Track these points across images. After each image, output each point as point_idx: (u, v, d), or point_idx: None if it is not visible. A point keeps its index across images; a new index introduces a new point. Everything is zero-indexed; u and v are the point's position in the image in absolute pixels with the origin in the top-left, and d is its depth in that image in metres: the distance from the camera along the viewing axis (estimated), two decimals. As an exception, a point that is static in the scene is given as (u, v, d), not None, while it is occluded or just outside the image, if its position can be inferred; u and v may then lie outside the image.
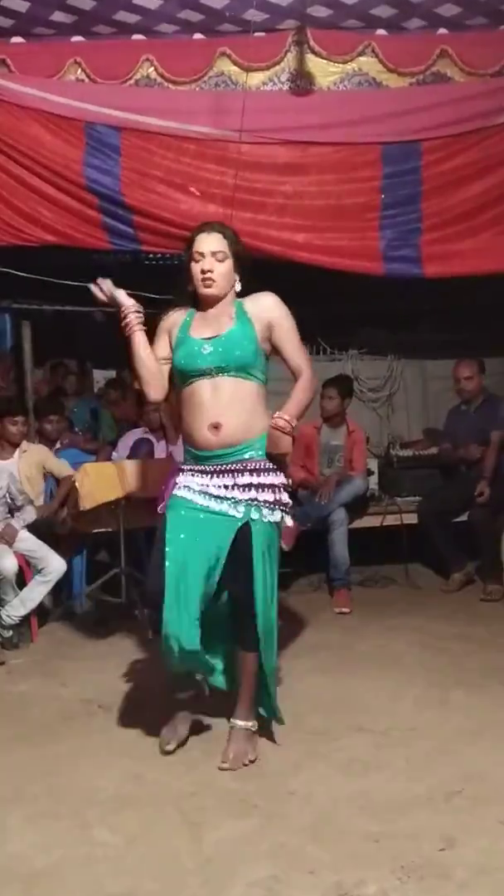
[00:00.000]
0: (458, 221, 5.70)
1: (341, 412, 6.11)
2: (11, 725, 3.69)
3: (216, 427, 3.24)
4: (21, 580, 4.96)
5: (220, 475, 3.28)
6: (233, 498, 3.25)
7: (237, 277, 3.37)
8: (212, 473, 3.29)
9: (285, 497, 3.34)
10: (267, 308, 3.36)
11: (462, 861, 2.47)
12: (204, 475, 3.30)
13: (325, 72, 5.55)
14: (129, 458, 5.83)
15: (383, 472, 6.48)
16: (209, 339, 3.28)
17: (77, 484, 5.22)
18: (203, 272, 3.29)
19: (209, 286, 3.30)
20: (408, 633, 4.80)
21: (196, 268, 3.32)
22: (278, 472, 3.32)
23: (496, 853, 2.51)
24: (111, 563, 5.68)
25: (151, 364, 3.37)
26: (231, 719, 3.35)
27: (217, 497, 3.26)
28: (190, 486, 3.30)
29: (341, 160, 5.61)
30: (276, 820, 2.77)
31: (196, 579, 3.17)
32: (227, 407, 3.26)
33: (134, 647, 4.76)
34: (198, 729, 3.47)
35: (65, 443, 6.24)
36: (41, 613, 5.18)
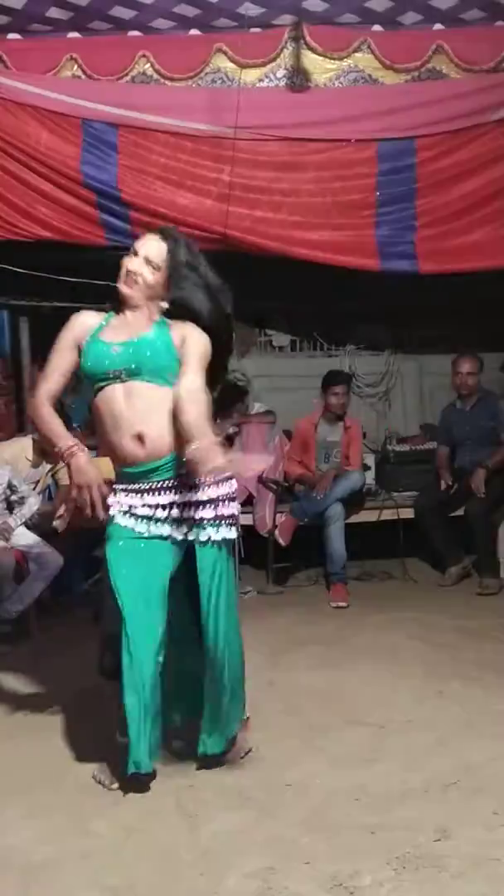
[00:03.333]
0: (452, 218, 5.72)
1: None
2: (10, 719, 3.70)
3: (139, 438, 2.94)
4: (19, 576, 4.96)
5: (156, 493, 2.98)
6: (172, 518, 2.97)
7: (163, 298, 3.05)
8: (146, 492, 2.98)
9: (229, 509, 3.02)
10: (188, 329, 3.02)
11: (457, 852, 2.48)
12: (137, 494, 2.99)
13: (320, 68, 5.58)
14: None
15: (380, 466, 6.48)
16: (121, 342, 2.99)
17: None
18: (127, 271, 3.02)
19: (129, 285, 3.01)
20: (404, 627, 4.81)
21: (125, 263, 3.05)
22: (220, 484, 2.99)
23: (491, 844, 2.52)
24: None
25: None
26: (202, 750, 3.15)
27: (155, 519, 2.97)
28: (125, 511, 2.99)
29: (337, 157, 5.64)
30: (273, 812, 2.78)
31: (148, 621, 2.92)
32: (146, 415, 2.94)
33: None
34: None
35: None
36: (39, 609, 5.18)
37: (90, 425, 7.17)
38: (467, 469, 5.89)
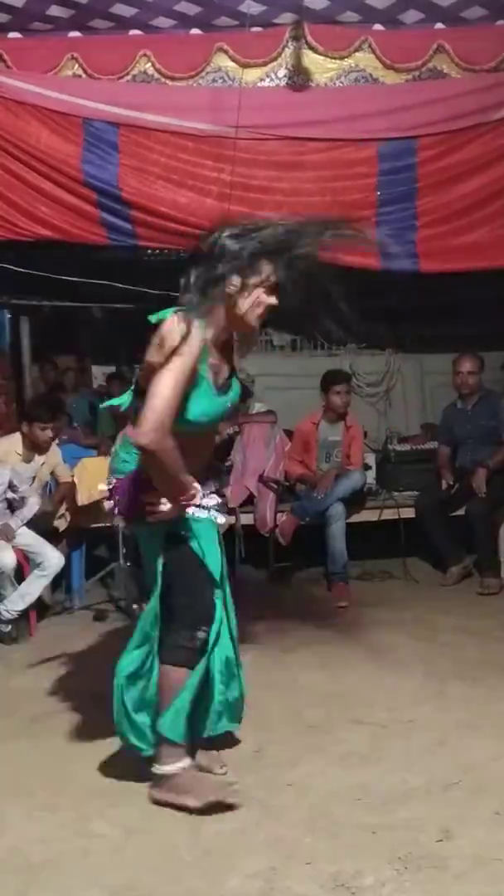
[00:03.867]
0: (453, 218, 5.72)
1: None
2: (10, 719, 3.69)
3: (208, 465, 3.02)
4: (20, 575, 4.96)
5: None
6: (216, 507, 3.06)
7: None
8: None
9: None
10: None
11: (459, 852, 2.48)
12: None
13: (321, 68, 5.58)
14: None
15: (381, 466, 6.49)
16: (225, 391, 2.90)
17: (76, 479, 5.24)
18: (272, 308, 2.82)
19: (260, 325, 2.88)
20: (406, 627, 4.81)
21: (264, 299, 2.80)
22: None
23: (493, 844, 2.52)
24: (109, 558, 5.69)
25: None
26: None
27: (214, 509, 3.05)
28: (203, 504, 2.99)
29: (338, 157, 5.64)
30: (274, 812, 2.78)
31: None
32: (206, 459, 3.02)
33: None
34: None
35: (64, 438, 6.25)
36: (40, 608, 5.19)
37: (90, 425, 7.24)
38: (468, 469, 5.89)
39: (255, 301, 2.81)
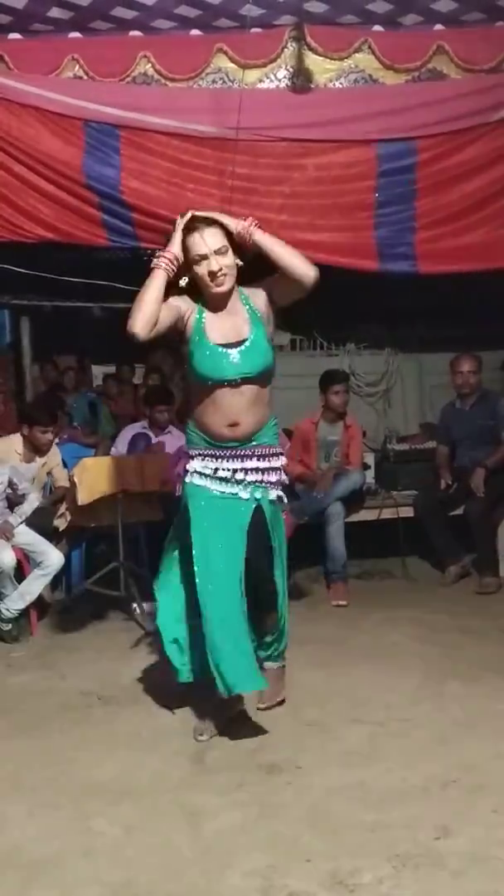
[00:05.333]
0: (452, 219, 5.73)
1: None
2: (11, 717, 3.71)
3: (235, 425, 3.38)
4: (20, 574, 4.98)
5: (231, 459, 3.41)
6: (243, 480, 3.41)
7: (237, 260, 3.34)
8: (222, 458, 3.42)
9: (284, 476, 3.54)
10: (259, 295, 3.43)
11: (456, 850, 2.50)
12: (214, 459, 3.42)
13: (321, 69, 5.58)
14: (127, 452, 5.86)
15: (380, 466, 6.49)
16: (234, 346, 3.33)
17: (75, 478, 5.25)
18: (211, 273, 3.27)
19: (221, 283, 3.30)
20: (404, 626, 4.82)
21: (202, 268, 3.28)
22: (280, 455, 3.53)
23: (490, 842, 2.53)
24: (110, 557, 5.70)
25: (156, 308, 3.25)
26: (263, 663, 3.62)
27: (227, 480, 3.41)
28: (201, 472, 3.44)
29: (337, 158, 5.64)
30: (273, 810, 2.80)
31: (227, 565, 3.36)
32: (246, 410, 3.38)
33: (132, 640, 4.79)
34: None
35: (63, 437, 6.26)
36: (40, 607, 5.20)
37: (90, 424, 7.25)
38: (467, 468, 5.89)
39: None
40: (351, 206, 5.68)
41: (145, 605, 5.15)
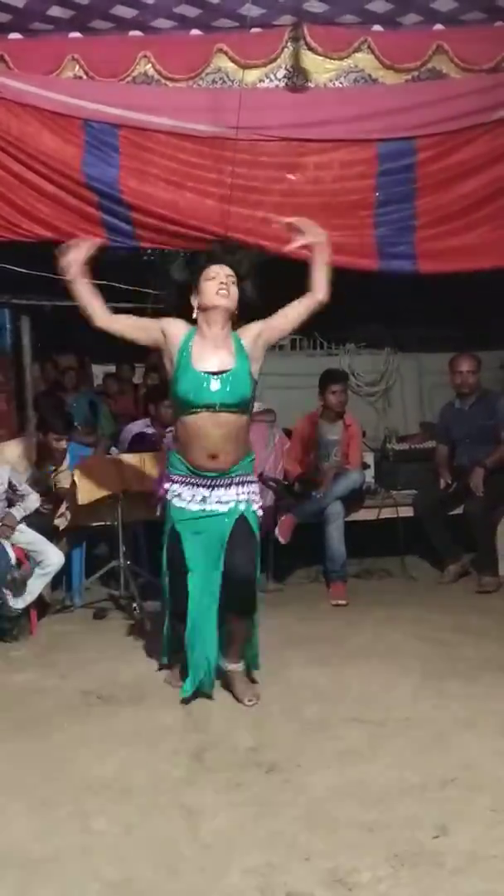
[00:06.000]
0: (452, 218, 5.72)
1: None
2: (11, 716, 3.71)
3: (215, 457, 3.62)
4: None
5: (211, 488, 3.67)
6: (220, 502, 3.68)
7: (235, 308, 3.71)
8: (202, 486, 3.68)
9: (258, 495, 3.83)
10: (250, 332, 3.73)
11: (455, 848, 2.50)
12: (195, 487, 3.69)
13: (321, 68, 5.57)
14: (128, 451, 5.86)
15: (379, 465, 6.50)
16: (215, 374, 3.57)
17: (75, 478, 5.27)
18: (221, 283, 3.61)
19: (224, 295, 3.61)
20: (404, 625, 4.82)
21: (211, 284, 3.62)
22: (255, 481, 3.84)
23: (489, 841, 2.53)
24: (110, 556, 5.71)
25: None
26: (228, 666, 3.85)
27: (204, 502, 3.68)
28: (182, 496, 3.70)
29: (337, 157, 5.63)
30: (272, 809, 2.80)
31: (209, 584, 3.70)
32: (226, 442, 3.62)
33: (132, 640, 4.79)
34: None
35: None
36: (40, 606, 5.21)
37: (90, 423, 7.25)
38: (466, 468, 5.90)
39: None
40: (351, 205, 5.67)
41: (145, 605, 5.16)
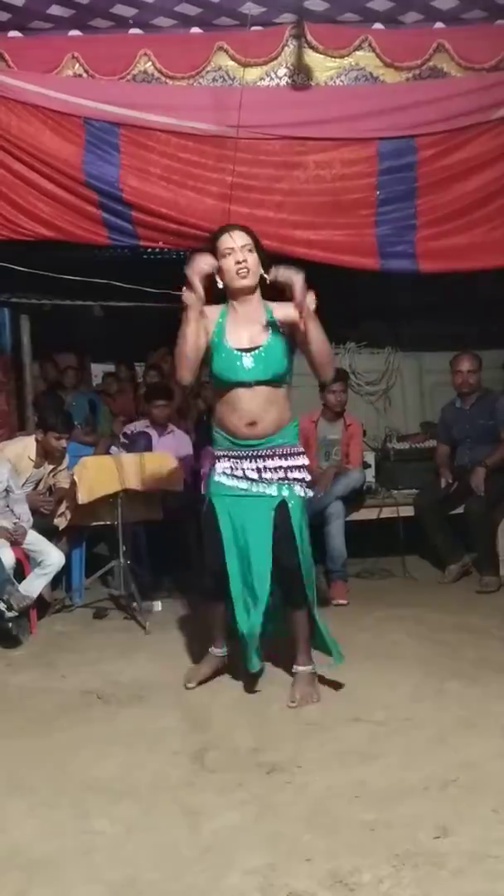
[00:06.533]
0: (452, 218, 5.73)
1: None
2: (11, 716, 3.71)
3: (253, 424, 3.61)
4: (20, 573, 4.98)
5: (253, 459, 3.66)
6: (266, 479, 3.65)
7: (262, 272, 3.61)
8: (245, 458, 3.66)
9: (307, 475, 3.78)
10: (286, 310, 3.58)
11: (456, 849, 2.49)
12: (238, 459, 3.67)
13: (322, 66, 5.59)
14: (127, 451, 5.86)
15: (380, 464, 6.49)
16: (248, 350, 3.57)
17: (75, 477, 5.26)
18: (238, 262, 3.55)
19: (244, 276, 3.56)
20: (404, 625, 4.82)
21: (229, 261, 3.57)
22: (303, 454, 3.76)
23: (490, 841, 2.52)
24: (110, 556, 5.71)
25: (196, 354, 3.60)
26: (294, 666, 3.80)
27: (251, 479, 3.66)
28: (226, 472, 3.68)
29: (338, 156, 5.64)
30: (273, 809, 2.79)
31: (252, 556, 3.68)
32: (264, 410, 3.61)
33: (132, 639, 4.79)
34: (221, 670, 3.99)
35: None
36: (40, 606, 5.20)
37: (90, 423, 7.25)
38: (467, 467, 5.89)
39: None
40: (351, 203, 5.68)
41: (145, 604, 5.16)
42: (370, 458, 6.44)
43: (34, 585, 4.97)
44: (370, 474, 6.33)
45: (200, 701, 3.75)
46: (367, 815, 2.72)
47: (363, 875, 2.38)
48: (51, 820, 2.78)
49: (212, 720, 3.55)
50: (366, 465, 6.25)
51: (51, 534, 5.28)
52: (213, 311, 3.66)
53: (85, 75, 5.49)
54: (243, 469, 3.66)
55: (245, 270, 3.56)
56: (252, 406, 3.60)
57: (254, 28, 5.40)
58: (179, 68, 5.49)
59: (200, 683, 3.90)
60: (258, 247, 3.65)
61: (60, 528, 5.52)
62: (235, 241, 3.58)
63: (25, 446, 5.36)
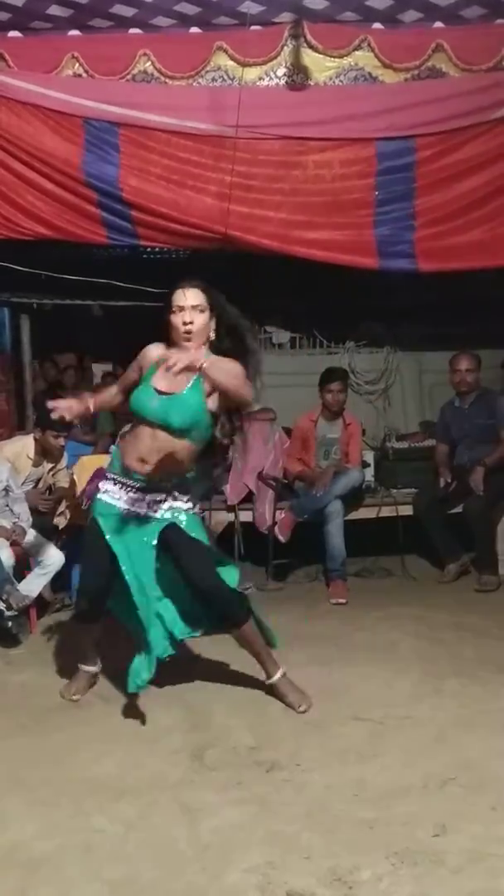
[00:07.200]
0: (451, 217, 5.73)
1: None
2: (11, 715, 3.71)
3: (144, 462, 3.56)
4: (19, 573, 4.97)
5: (142, 492, 3.61)
6: (153, 509, 3.61)
7: (213, 327, 3.55)
8: (134, 489, 3.61)
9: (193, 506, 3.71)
10: (219, 369, 3.44)
11: (455, 847, 2.50)
12: (126, 488, 3.63)
13: (321, 66, 5.58)
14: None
15: (379, 463, 6.49)
16: (162, 394, 3.52)
17: (75, 476, 5.26)
18: (185, 323, 3.50)
19: (188, 338, 3.50)
20: (403, 624, 4.82)
21: (177, 318, 3.51)
22: (192, 499, 3.70)
23: (489, 839, 2.53)
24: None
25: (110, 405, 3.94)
26: (266, 681, 3.72)
27: (138, 501, 3.62)
28: (109, 493, 3.65)
29: (337, 156, 5.64)
30: (272, 807, 2.80)
31: (143, 569, 3.58)
32: (157, 454, 3.54)
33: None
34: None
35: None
36: (40, 605, 5.20)
37: (88, 422, 7.25)
38: (466, 466, 5.90)
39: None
40: (350, 203, 5.68)
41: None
42: (369, 457, 6.44)
43: (34, 585, 4.96)
44: (369, 473, 6.33)
45: (200, 699, 3.76)
46: (366, 813, 2.73)
47: (362, 873, 2.39)
48: (50, 818, 2.79)
49: (211, 719, 3.56)
50: (365, 465, 6.26)
51: (50, 533, 5.28)
52: (156, 350, 3.62)
53: (85, 75, 5.49)
54: (127, 497, 3.62)
55: (188, 334, 3.49)
56: (149, 446, 3.54)
57: (253, 27, 5.40)
58: (179, 68, 5.49)
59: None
60: (214, 304, 3.55)
61: (60, 528, 5.52)
62: (187, 300, 3.51)
63: (24, 445, 5.36)
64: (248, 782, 2.99)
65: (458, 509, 5.88)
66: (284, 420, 6.33)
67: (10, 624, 4.86)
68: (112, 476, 3.68)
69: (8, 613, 4.74)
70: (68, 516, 5.51)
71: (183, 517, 3.60)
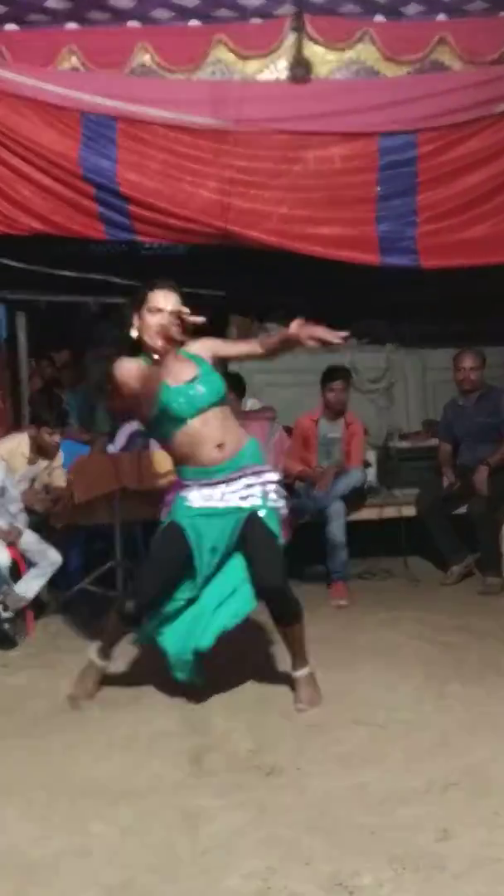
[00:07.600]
0: (454, 213, 5.72)
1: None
2: (7, 718, 3.68)
3: (220, 446, 3.59)
4: (16, 573, 4.94)
5: (223, 484, 3.62)
6: (240, 496, 3.63)
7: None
8: (215, 485, 3.62)
9: (281, 489, 3.77)
10: (204, 344, 3.68)
11: (458, 852, 2.46)
12: (209, 487, 3.63)
13: (322, 60, 5.58)
14: (124, 450, 5.83)
15: (382, 463, 6.47)
16: (192, 381, 3.57)
17: (72, 476, 5.24)
18: (161, 326, 3.43)
19: (168, 342, 3.41)
20: (406, 626, 4.79)
21: (154, 320, 3.49)
22: (269, 470, 3.77)
23: (492, 844, 2.50)
24: (107, 556, 5.67)
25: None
26: (293, 672, 3.75)
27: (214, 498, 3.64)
28: (190, 496, 3.66)
29: (338, 151, 5.62)
30: (272, 812, 2.77)
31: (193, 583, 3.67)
32: (225, 432, 3.62)
33: (129, 640, 4.74)
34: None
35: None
36: (37, 607, 5.17)
37: (88, 422, 7.23)
38: (470, 466, 5.87)
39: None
40: (352, 199, 5.67)
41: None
42: (371, 456, 6.42)
43: (31, 586, 4.94)
44: (371, 473, 6.31)
45: (199, 703, 3.73)
46: (367, 817, 2.70)
47: (363, 878, 2.36)
48: (48, 822, 2.75)
49: (211, 722, 3.53)
50: (367, 464, 6.24)
51: (48, 533, 5.25)
52: (135, 364, 3.55)
53: (82, 68, 5.47)
54: (211, 495, 3.63)
55: (169, 335, 3.39)
56: (212, 431, 3.60)
57: (253, 20, 5.38)
58: (178, 61, 5.47)
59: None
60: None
61: (58, 528, 5.49)
62: (166, 303, 3.50)
63: (19, 443, 5.34)
64: (247, 786, 2.96)
65: (462, 510, 5.86)
66: (285, 419, 6.30)
67: (6, 626, 4.84)
68: (189, 482, 3.69)
69: (4, 615, 4.73)
70: (66, 516, 5.49)
71: (262, 505, 3.62)
